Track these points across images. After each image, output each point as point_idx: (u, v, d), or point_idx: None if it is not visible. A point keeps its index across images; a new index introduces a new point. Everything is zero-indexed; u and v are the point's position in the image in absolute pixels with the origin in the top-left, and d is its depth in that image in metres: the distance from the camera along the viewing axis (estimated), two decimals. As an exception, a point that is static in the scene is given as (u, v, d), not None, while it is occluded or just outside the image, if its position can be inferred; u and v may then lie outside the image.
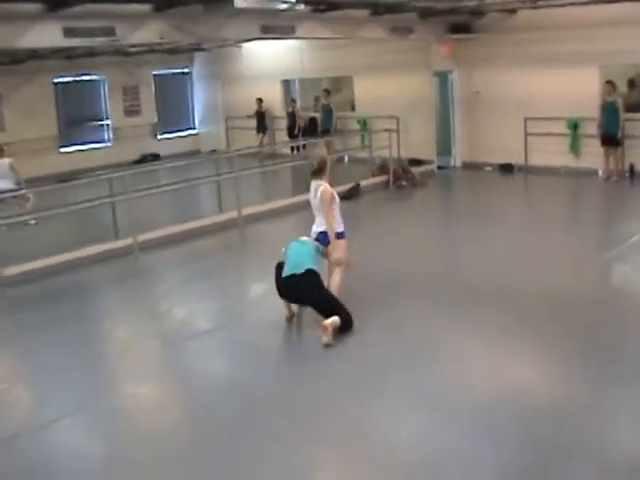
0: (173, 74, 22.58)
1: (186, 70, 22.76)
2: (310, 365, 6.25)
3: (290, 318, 7.04)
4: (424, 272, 8.53)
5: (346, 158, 17.66)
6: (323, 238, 7.15)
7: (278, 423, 5.19)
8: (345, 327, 6.55)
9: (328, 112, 17.75)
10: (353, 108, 18.29)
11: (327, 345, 6.35)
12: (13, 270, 9.35)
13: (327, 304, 6.62)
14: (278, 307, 7.13)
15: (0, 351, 7.29)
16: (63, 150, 20.14)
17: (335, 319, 6.44)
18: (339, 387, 5.70)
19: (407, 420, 5.14)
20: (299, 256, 6.83)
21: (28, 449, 5.11)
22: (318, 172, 7.17)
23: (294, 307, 7.06)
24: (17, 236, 11.04)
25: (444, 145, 16.72)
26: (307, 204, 12.51)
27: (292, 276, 6.74)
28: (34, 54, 15.82)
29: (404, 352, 6.21)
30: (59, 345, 6.97)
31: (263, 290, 8.13)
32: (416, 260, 9.14)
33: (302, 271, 6.72)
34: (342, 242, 7.23)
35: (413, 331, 6.71)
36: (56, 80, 19.93)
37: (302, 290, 6.72)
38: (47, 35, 9.66)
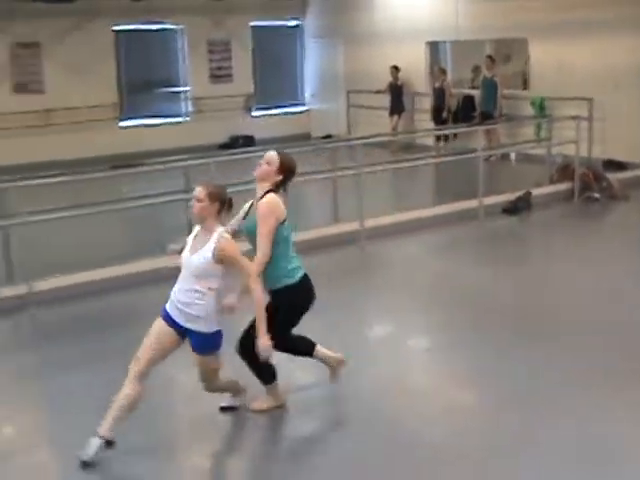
0: (277, 28, 22.87)
1: (295, 23, 23.01)
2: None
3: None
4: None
5: (513, 155, 17.36)
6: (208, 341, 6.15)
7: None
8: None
9: (491, 89, 17.55)
10: (525, 85, 18.03)
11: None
12: (46, 285, 9.59)
13: None
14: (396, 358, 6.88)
15: None
16: (123, 124, 20.80)
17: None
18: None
19: None
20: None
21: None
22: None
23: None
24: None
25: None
26: (451, 218, 12.66)
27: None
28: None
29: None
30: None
31: (384, 333, 7.88)
32: (622, 330, 8.52)
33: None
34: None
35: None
36: (117, 28, 20.56)
37: None
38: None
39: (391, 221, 12.27)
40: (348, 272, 10.68)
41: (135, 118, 20.99)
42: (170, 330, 5.90)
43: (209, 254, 5.82)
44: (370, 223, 11.64)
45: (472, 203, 12.79)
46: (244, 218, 6.45)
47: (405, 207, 13.09)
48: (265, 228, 6.15)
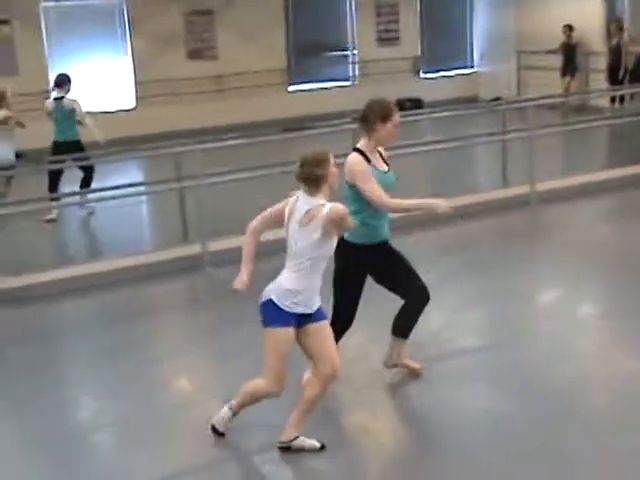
0: (446, -12, 22.64)
1: (465, -17, 22.71)
2: None
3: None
4: None
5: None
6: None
7: None
8: None
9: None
10: None
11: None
12: (220, 245, 9.89)
13: None
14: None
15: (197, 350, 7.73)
16: (292, 88, 21.09)
17: None
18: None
19: None
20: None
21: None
22: (309, 182, 5.50)
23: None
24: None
25: None
26: (628, 182, 12.24)
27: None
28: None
29: None
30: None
31: (551, 298, 7.81)
32: None
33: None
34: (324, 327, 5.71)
35: None
36: (287, -8, 20.80)
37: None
38: None
39: (563, 185, 12.03)
40: (517, 236, 10.57)
41: (303, 82, 21.21)
42: (293, 334, 5.52)
43: None
44: (541, 187, 11.46)
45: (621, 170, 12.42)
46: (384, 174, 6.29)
47: (578, 171, 12.81)
48: None
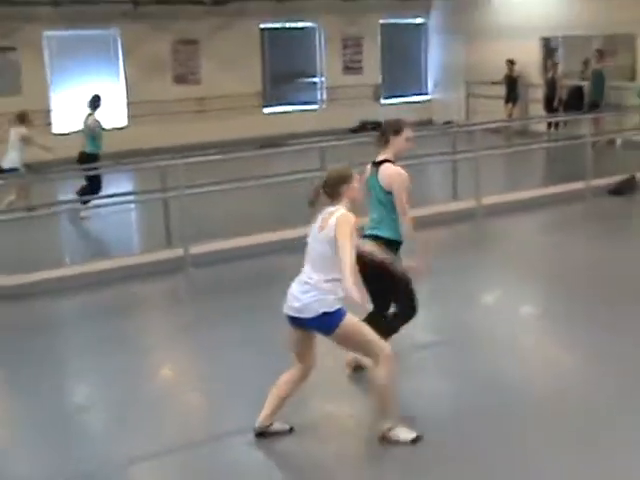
0: (405, 25, 22.69)
1: (421, 21, 22.77)
2: None
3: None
4: None
5: (619, 141, 16.82)
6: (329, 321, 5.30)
7: None
8: None
9: (599, 80, 16.99)
10: (633, 77, 17.40)
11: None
12: (201, 248, 9.80)
13: None
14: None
15: (175, 346, 7.66)
16: (267, 110, 21.01)
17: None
18: None
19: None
20: None
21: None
22: (331, 195, 5.38)
23: None
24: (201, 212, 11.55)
25: None
26: (561, 198, 12.32)
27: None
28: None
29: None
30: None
31: (493, 299, 7.86)
32: None
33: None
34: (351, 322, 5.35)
35: None
36: (263, 26, 20.78)
37: None
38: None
39: (506, 200, 12.05)
40: (465, 246, 10.56)
41: (277, 105, 21.19)
42: None
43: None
44: (486, 201, 11.47)
45: (580, 185, 12.45)
46: None
47: (518, 187, 12.87)
48: None
